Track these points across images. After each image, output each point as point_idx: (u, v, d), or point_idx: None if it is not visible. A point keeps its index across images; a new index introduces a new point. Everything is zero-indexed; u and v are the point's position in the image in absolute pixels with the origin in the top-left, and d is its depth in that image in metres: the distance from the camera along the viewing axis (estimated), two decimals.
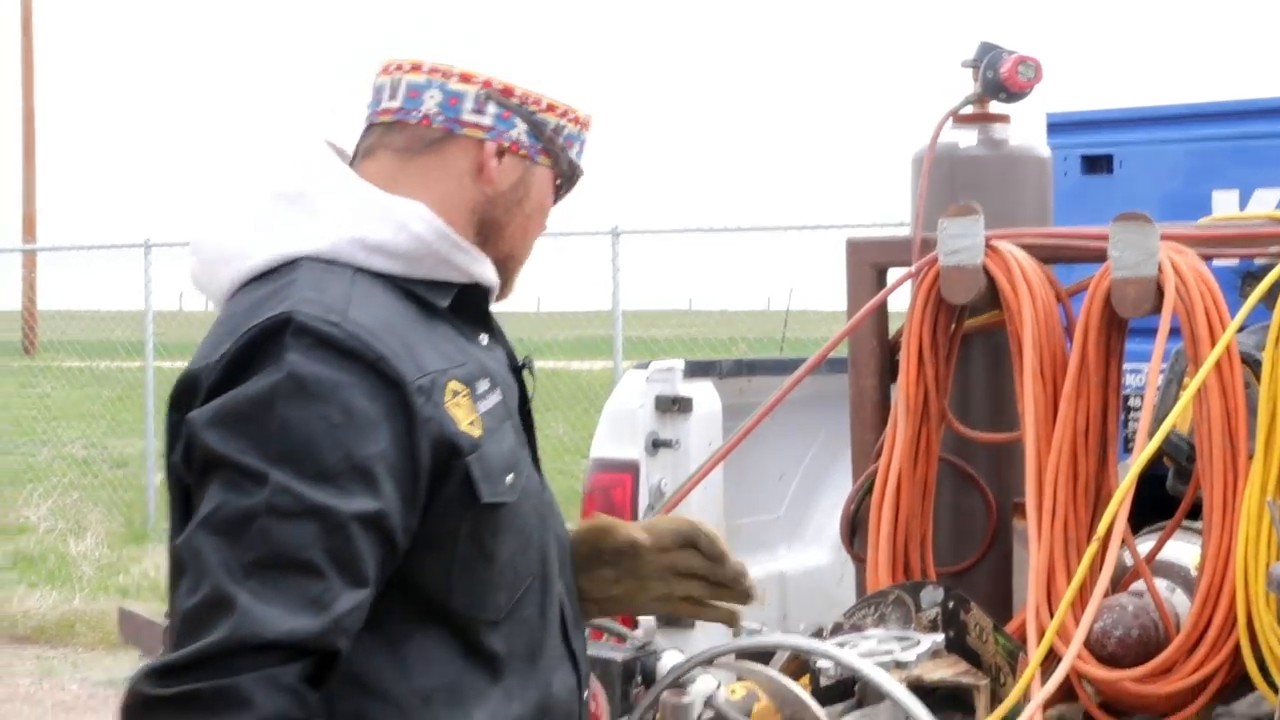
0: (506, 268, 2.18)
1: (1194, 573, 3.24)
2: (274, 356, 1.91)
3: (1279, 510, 2.92)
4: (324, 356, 1.91)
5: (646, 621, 3.10)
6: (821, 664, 2.23)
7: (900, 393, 3.37)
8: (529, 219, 2.18)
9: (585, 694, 2.20)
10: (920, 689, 3.20)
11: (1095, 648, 3.12)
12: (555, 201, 2.22)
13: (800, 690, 1.85)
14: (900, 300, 3.54)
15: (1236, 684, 3.11)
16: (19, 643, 10.23)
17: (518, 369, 2.21)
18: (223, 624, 1.80)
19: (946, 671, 3.17)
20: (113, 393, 21.93)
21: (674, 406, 3.71)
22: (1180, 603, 3.27)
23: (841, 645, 2.07)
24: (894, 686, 1.80)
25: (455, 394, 1.99)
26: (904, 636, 2.09)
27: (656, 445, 3.72)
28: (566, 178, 2.20)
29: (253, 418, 1.88)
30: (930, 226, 3.41)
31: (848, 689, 2.81)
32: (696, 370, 3.87)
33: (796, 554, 4.29)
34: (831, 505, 3.85)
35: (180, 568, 1.87)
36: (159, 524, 14.09)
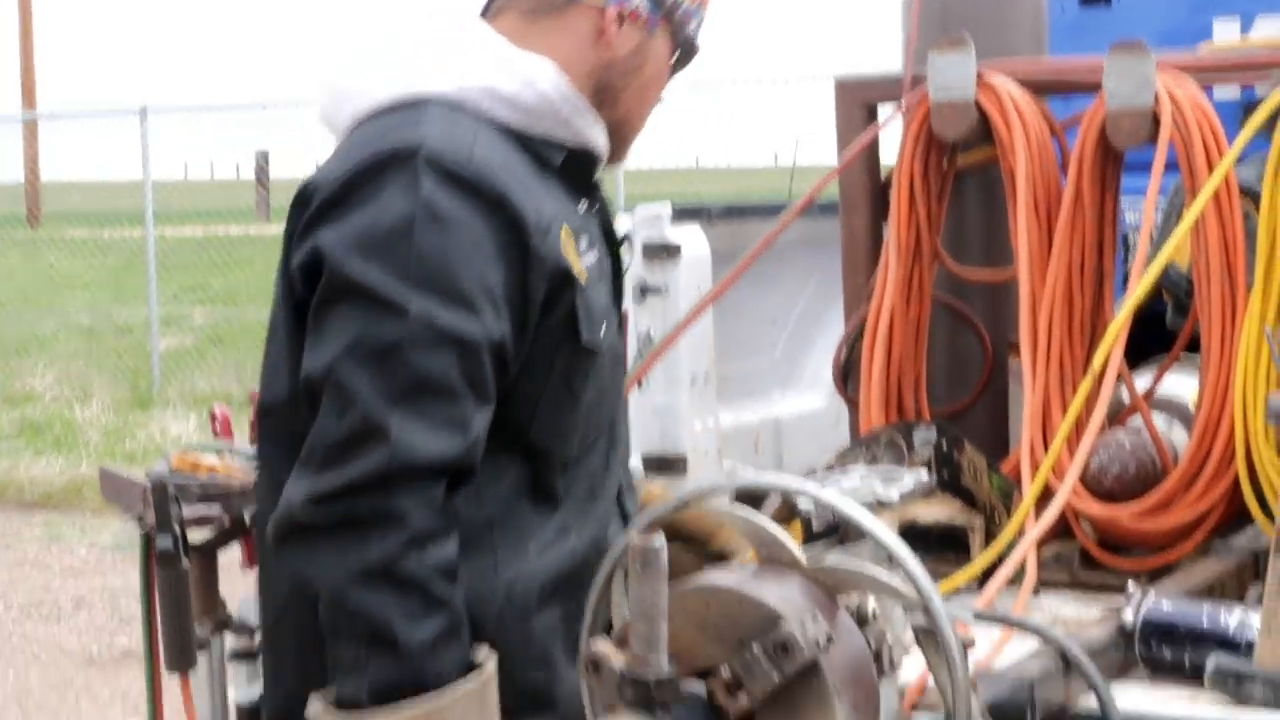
0: (620, 134, 2.26)
1: (1192, 407, 3.18)
2: (407, 184, 2.01)
3: (1278, 341, 2.86)
4: (454, 189, 2.01)
5: (634, 465, 3.06)
6: (803, 504, 2.20)
7: (891, 231, 3.30)
8: (644, 87, 2.26)
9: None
10: (914, 530, 3.16)
11: (1091, 484, 3.08)
12: (672, 75, 2.30)
13: (775, 527, 1.80)
14: (894, 148, 3.45)
15: (1235, 518, 3.06)
16: (27, 509, 10.28)
17: (613, 242, 2.29)
18: (377, 451, 1.92)
19: (940, 512, 3.13)
20: (117, 261, 21.89)
21: (662, 252, 3.65)
22: (1179, 437, 3.22)
23: (823, 484, 2.02)
24: (871, 522, 1.75)
25: (567, 239, 2.10)
26: (887, 473, 2.03)
27: (644, 292, 3.66)
28: (684, 50, 2.28)
29: (391, 246, 1.98)
30: (922, 63, 3.32)
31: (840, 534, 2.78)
32: (684, 215, 3.80)
33: (791, 399, 4.24)
34: (826, 350, 3.79)
35: (319, 393, 1.97)
36: (164, 389, 14.10)
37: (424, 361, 1.95)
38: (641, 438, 3.56)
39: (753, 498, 2.50)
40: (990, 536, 3.06)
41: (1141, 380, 3.29)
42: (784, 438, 4.15)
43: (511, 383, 2.06)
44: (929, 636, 2.00)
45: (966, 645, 2.21)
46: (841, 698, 1.72)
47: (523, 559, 2.09)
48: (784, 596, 1.76)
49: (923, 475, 2.05)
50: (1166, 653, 2.57)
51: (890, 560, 1.91)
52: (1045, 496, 2.98)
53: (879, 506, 1.98)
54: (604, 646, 1.77)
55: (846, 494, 2.00)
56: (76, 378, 14.73)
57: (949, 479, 3.10)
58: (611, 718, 1.69)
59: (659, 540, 1.66)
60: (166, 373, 14.69)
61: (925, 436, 3.10)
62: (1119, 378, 3.07)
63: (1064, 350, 3.12)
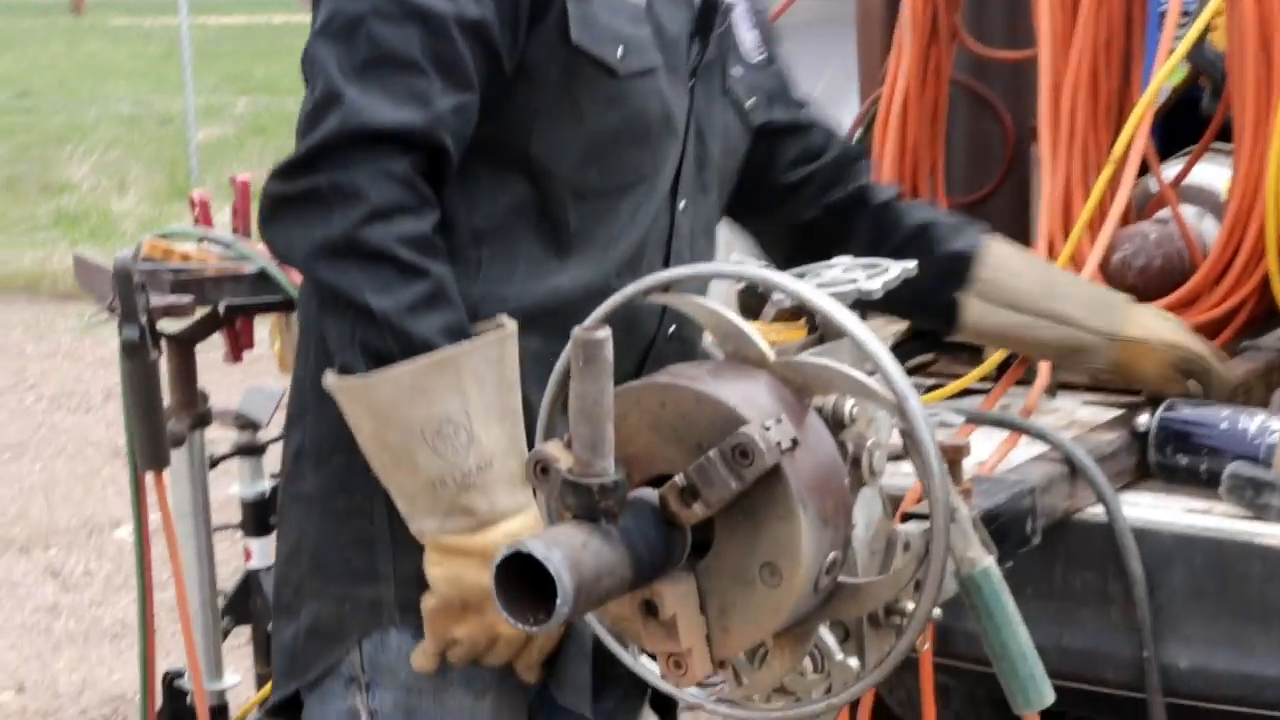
0: None
1: (1225, 198, 2.99)
2: None
3: None
4: None
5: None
6: (775, 298, 2.04)
7: (906, 7, 3.09)
8: None
9: (671, 328, 2.17)
10: (918, 333, 3.01)
11: (1114, 279, 2.90)
12: None
13: (739, 319, 1.64)
14: None
15: (1265, 316, 2.89)
16: (61, 300, 10.23)
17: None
18: (332, 117, 1.91)
19: None
20: (159, 50, 21.66)
21: None
22: (1209, 230, 3.02)
23: (801, 275, 1.86)
24: (841, 313, 1.59)
25: None
26: (871, 264, 1.87)
27: None
28: None
29: None
30: None
31: None
32: None
33: None
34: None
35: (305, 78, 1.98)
36: (201, 180, 13.97)
37: (386, 34, 1.93)
38: None
39: (761, 297, 2.36)
40: None
41: (1172, 170, 3.10)
42: None
43: (508, 85, 2.01)
44: (912, 441, 1.86)
45: (961, 450, 2.09)
46: (806, 507, 1.57)
47: (505, 280, 2.03)
48: (747, 396, 1.61)
49: (909, 264, 1.88)
50: (1182, 459, 2.42)
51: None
52: None
53: (860, 299, 1.81)
54: (552, 448, 1.63)
55: (825, 286, 1.83)
56: (114, 168, 14.62)
57: None
58: (551, 528, 1.56)
59: (603, 332, 1.51)
60: (205, 163, 14.56)
61: None
62: (1145, 165, 2.88)
63: (1088, 136, 2.92)
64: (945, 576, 1.76)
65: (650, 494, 1.59)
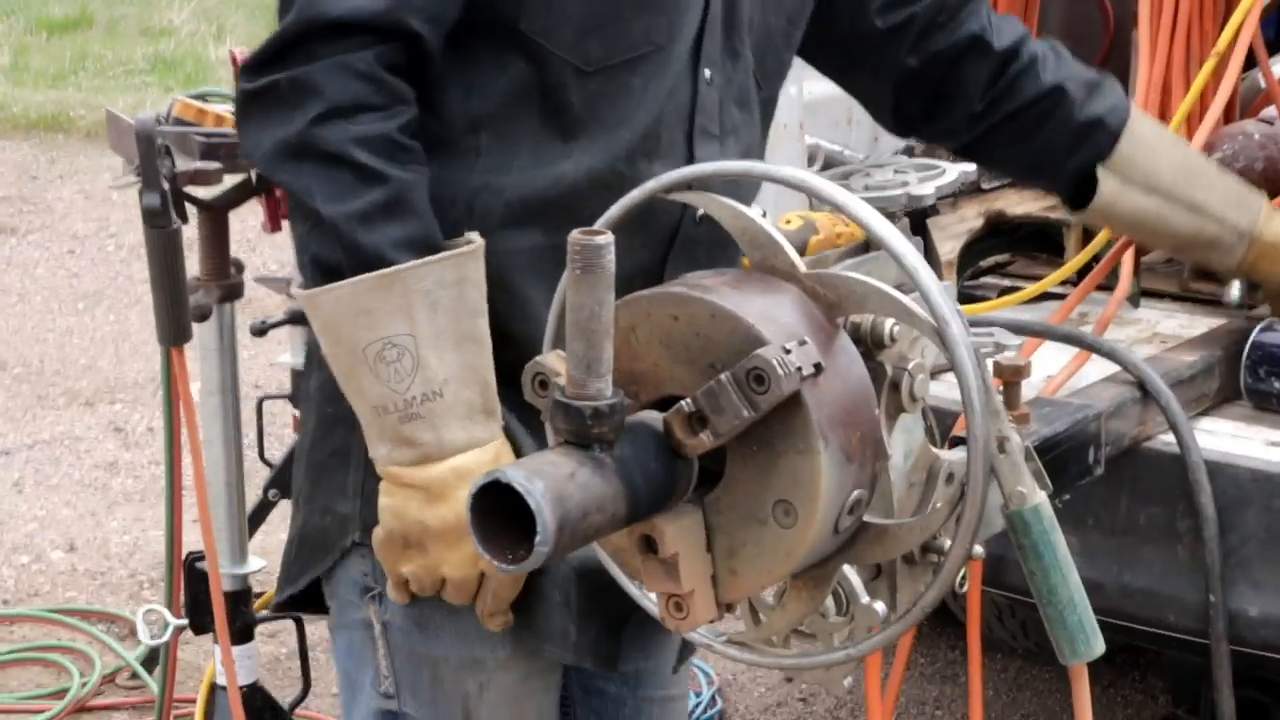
0: None
1: None
2: None
3: None
4: None
5: None
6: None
7: None
8: None
9: (700, 212, 1.92)
10: (1001, 224, 2.81)
11: None
12: None
13: (768, 224, 1.47)
14: None
15: None
16: None
17: None
18: (294, 7, 1.78)
19: (1033, 205, 2.78)
20: None
21: None
22: None
23: (849, 175, 1.68)
24: (872, 216, 1.41)
25: None
26: (926, 165, 1.68)
27: None
28: None
29: None
30: None
31: None
32: None
33: None
34: None
35: None
36: None
37: None
38: None
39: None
40: (1089, 236, 2.70)
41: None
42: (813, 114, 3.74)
43: None
44: (954, 371, 1.68)
45: (1020, 371, 1.90)
46: (828, 441, 1.40)
47: (504, 169, 1.87)
48: (768, 313, 1.43)
49: (968, 167, 1.68)
50: (1276, 384, 2.22)
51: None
52: None
53: (905, 204, 1.63)
54: (552, 360, 1.46)
55: (872, 189, 1.65)
56: (214, 12, 14.47)
57: None
58: (536, 455, 1.40)
59: (604, 237, 1.34)
60: None
61: None
62: (1253, 58, 2.65)
63: (1192, 23, 2.70)
64: (983, 520, 1.60)
65: (654, 418, 1.43)
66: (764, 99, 2.06)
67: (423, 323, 1.75)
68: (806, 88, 3.38)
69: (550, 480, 1.33)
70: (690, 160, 1.92)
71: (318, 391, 1.95)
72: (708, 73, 1.94)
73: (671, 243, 1.93)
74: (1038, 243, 2.78)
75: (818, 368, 1.40)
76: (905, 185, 1.64)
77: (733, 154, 1.97)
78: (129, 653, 4.02)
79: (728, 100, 1.97)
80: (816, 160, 3.32)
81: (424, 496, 1.76)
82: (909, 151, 2.82)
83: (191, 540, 2.82)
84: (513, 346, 1.80)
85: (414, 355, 1.75)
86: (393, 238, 1.75)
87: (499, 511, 1.33)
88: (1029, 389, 2.12)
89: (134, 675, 3.97)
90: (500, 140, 1.87)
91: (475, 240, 1.79)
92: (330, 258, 1.75)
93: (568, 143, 1.87)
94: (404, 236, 1.75)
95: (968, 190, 2.74)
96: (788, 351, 1.39)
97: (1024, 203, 2.76)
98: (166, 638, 2.84)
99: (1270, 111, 2.79)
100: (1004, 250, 2.82)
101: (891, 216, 1.63)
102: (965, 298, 2.76)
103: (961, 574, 1.78)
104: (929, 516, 1.52)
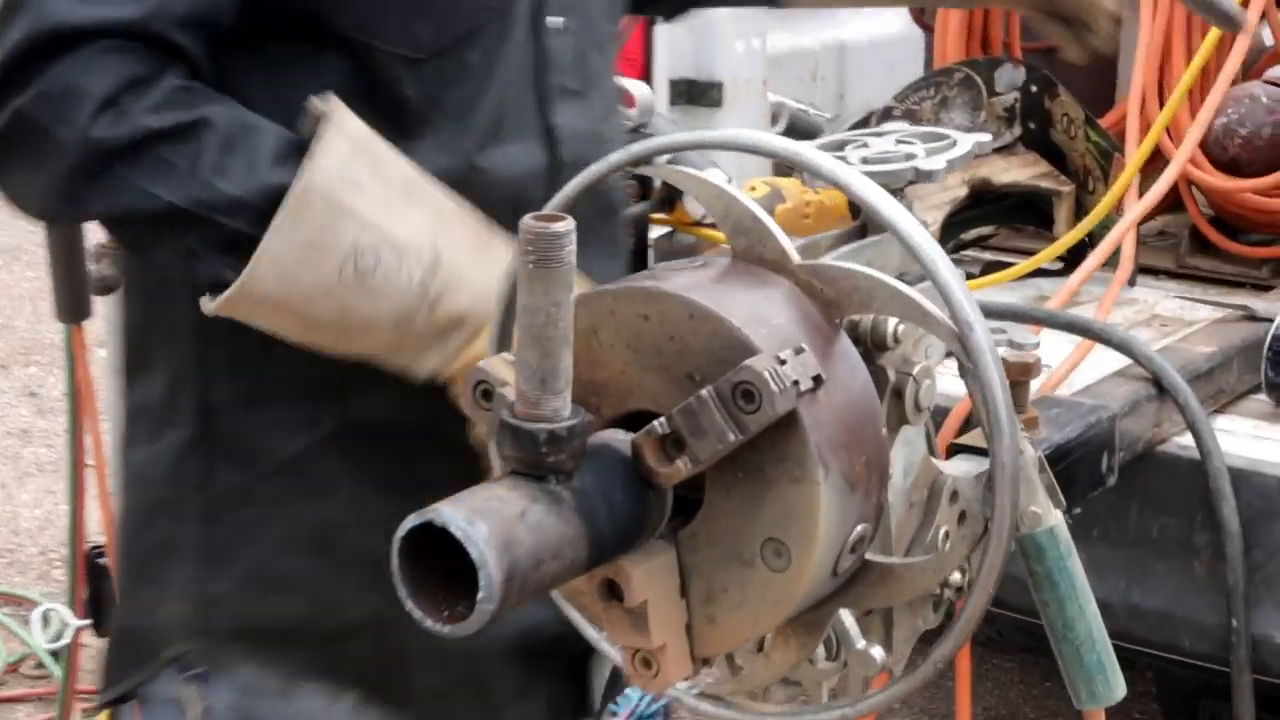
0: None
1: None
2: None
3: None
4: None
5: (644, 95, 2.50)
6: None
7: None
8: None
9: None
10: (986, 193, 2.59)
11: (1213, 149, 2.50)
12: None
13: (755, 207, 1.23)
14: None
15: None
16: None
17: None
18: (20, 22, 1.49)
19: (1021, 172, 2.56)
20: None
21: None
22: None
23: (842, 145, 1.44)
24: (890, 209, 1.18)
25: None
26: (934, 134, 1.44)
27: None
28: None
29: None
30: None
31: None
32: None
33: (861, 21, 3.59)
34: None
35: None
36: None
37: None
38: (671, 60, 2.97)
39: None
40: (1081, 207, 2.49)
41: None
42: (849, 67, 3.53)
43: None
44: (977, 385, 1.45)
45: (1030, 369, 1.68)
46: (829, 469, 1.17)
47: None
48: (758, 314, 1.20)
49: (981, 138, 1.45)
50: None
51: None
52: (1154, 162, 2.40)
53: (912, 178, 1.40)
54: (497, 366, 1.22)
55: (873, 163, 1.42)
56: None
57: (1036, 132, 2.52)
58: (480, 488, 1.15)
59: (563, 224, 1.10)
60: None
61: (1010, 77, 2.52)
62: (1264, 15, 2.44)
63: None
64: (1005, 562, 1.38)
65: (620, 441, 1.19)
66: (616, 35, 1.85)
67: (366, 207, 1.50)
68: (771, 41, 3.17)
69: (496, 522, 1.09)
70: (548, 129, 1.70)
71: (136, 473, 1.70)
72: (559, 21, 1.70)
73: (501, 148, 1.69)
74: (1025, 213, 2.57)
75: (817, 380, 1.17)
76: (912, 159, 1.40)
77: (598, 110, 1.75)
78: (36, 639, 3.77)
79: (587, 46, 1.74)
80: (780, 119, 3.11)
81: None
82: (886, 116, 2.59)
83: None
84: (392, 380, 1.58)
85: (389, 242, 1.50)
86: (262, 166, 1.48)
87: (437, 554, 1.09)
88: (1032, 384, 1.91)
89: (40, 664, 3.72)
90: None
91: (327, 99, 1.53)
92: (222, 235, 1.48)
93: (411, 141, 1.60)
94: (273, 154, 1.49)
95: (926, 176, 2.52)
96: (782, 362, 1.15)
97: (1011, 170, 2.54)
98: (66, 640, 2.61)
99: (1276, 72, 2.58)
100: (989, 221, 2.61)
101: (897, 194, 1.38)
102: None
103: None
104: (945, 555, 1.29)
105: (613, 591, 1.20)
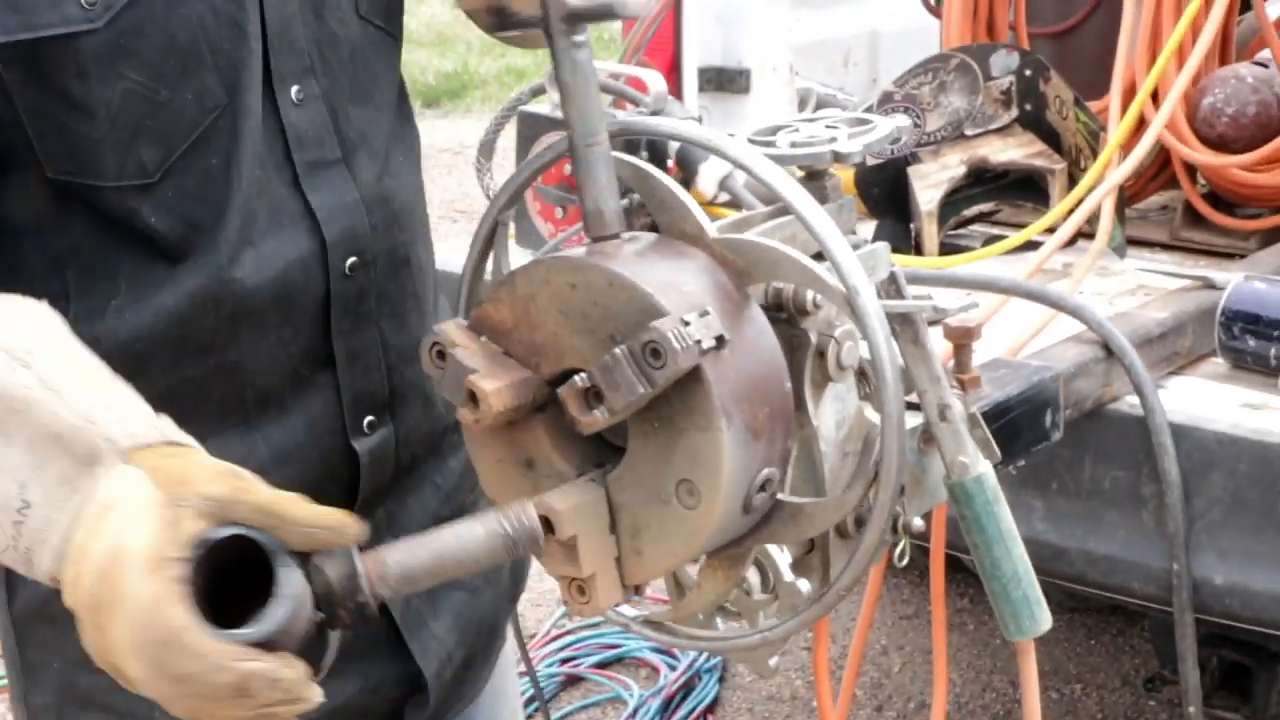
0: None
1: None
2: None
3: None
4: None
5: (657, 83, 2.65)
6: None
7: None
8: None
9: (349, 261, 1.61)
10: (984, 172, 2.73)
11: (1202, 127, 2.60)
12: None
13: (675, 186, 1.40)
14: None
15: None
16: None
17: None
18: None
19: (1017, 152, 2.68)
20: None
21: None
22: None
23: (775, 131, 1.59)
24: (782, 183, 1.35)
25: None
26: (860, 120, 1.59)
27: None
28: None
29: None
30: None
31: None
32: None
33: (893, 8, 3.70)
34: None
35: None
36: None
37: None
38: (699, 48, 3.11)
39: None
40: (1075, 184, 2.61)
41: (1277, 7, 2.76)
42: (880, 54, 3.65)
43: None
44: (904, 325, 1.62)
45: (969, 334, 1.83)
46: (731, 418, 1.33)
47: (99, 313, 1.49)
48: (670, 281, 1.36)
49: (901, 121, 1.60)
50: (1250, 342, 2.13)
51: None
52: (1139, 137, 2.52)
53: (832, 160, 1.54)
54: (451, 329, 1.40)
55: (800, 146, 1.56)
56: None
57: (1031, 113, 2.65)
58: None
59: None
60: None
61: (1005, 62, 2.64)
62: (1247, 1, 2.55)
63: None
64: (925, 491, 1.54)
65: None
66: (385, 73, 1.68)
67: None
68: (799, 30, 3.31)
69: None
70: (309, 212, 1.58)
71: None
72: (294, 90, 1.55)
73: (327, 310, 1.61)
74: (1023, 190, 2.69)
75: (720, 340, 1.33)
76: (832, 141, 1.55)
77: (369, 170, 1.63)
78: None
79: (341, 106, 1.60)
80: (808, 104, 3.24)
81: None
82: (886, 100, 2.73)
83: None
84: None
85: None
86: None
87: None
88: (998, 349, 2.05)
89: None
90: (90, 278, 1.49)
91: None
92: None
93: (174, 264, 1.50)
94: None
95: (950, 137, 2.65)
96: (686, 324, 1.31)
97: (1008, 149, 2.67)
98: None
99: (1265, 54, 2.68)
100: (988, 199, 2.73)
101: (820, 174, 1.54)
102: (949, 248, 2.68)
103: (902, 547, 1.72)
104: (844, 495, 1.44)
105: (547, 527, 1.37)
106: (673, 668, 4.05)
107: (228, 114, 1.50)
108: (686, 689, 3.96)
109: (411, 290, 1.69)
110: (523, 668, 2.96)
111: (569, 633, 4.28)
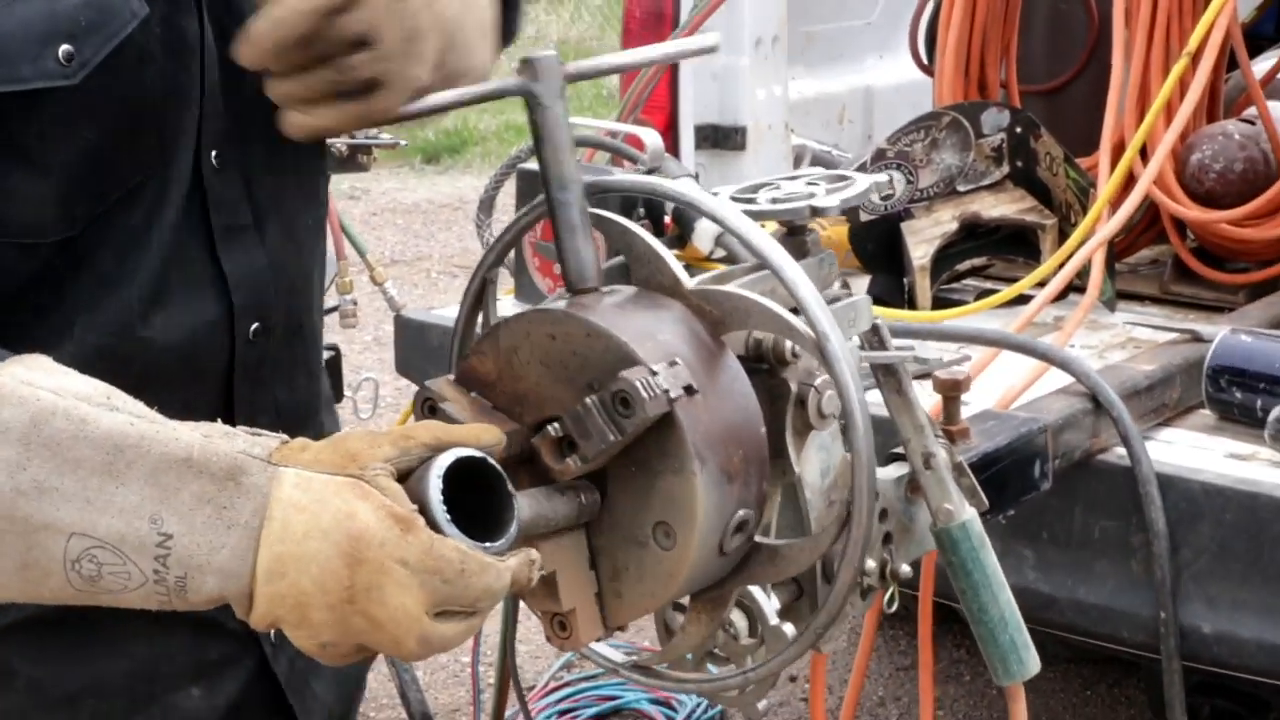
0: None
1: None
2: None
3: None
4: None
5: (654, 141, 2.68)
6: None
7: None
8: None
9: (253, 327, 1.60)
10: (977, 227, 2.75)
11: (1190, 183, 2.63)
12: None
13: (650, 238, 1.43)
14: None
15: None
16: None
17: None
18: None
19: (1008, 207, 2.72)
20: None
21: None
22: None
23: (758, 188, 1.62)
24: (753, 233, 1.38)
25: None
26: (840, 177, 1.62)
27: None
28: None
29: None
30: None
31: None
32: None
33: (888, 66, 3.75)
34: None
35: None
36: None
37: None
38: (696, 106, 3.16)
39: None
40: (1065, 239, 2.64)
41: (1265, 65, 2.79)
42: (876, 110, 3.69)
43: None
44: (888, 375, 1.64)
45: (959, 385, 1.85)
46: (704, 461, 1.35)
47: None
48: (646, 331, 1.39)
49: (879, 179, 1.63)
50: (1237, 394, 2.15)
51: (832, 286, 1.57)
52: (1129, 190, 2.55)
53: (810, 215, 1.57)
54: (442, 385, 1.43)
55: (779, 202, 1.59)
56: None
57: (1022, 169, 2.68)
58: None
59: None
60: None
61: (996, 120, 2.67)
62: (1231, 57, 2.58)
63: (1171, 20, 2.63)
64: (912, 539, 1.56)
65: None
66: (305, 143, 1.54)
67: (58, 515, 1.22)
68: (795, 88, 3.35)
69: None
70: (221, 276, 1.56)
71: None
72: (214, 154, 1.53)
73: (230, 374, 1.59)
74: (1014, 245, 2.72)
75: (689, 390, 1.35)
76: (811, 196, 1.58)
77: (277, 237, 1.61)
78: None
79: (255, 173, 1.58)
80: (804, 160, 3.28)
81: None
82: (879, 157, 2.76)
83: None
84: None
85: (98, 545, 1.23)
86: None
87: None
88: (989, 401, 2.07)
89: None
90: (10, 341, 1.36)
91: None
92: None
93: (84, 319, 1.46)
94: None
95: (942, 193, 2.68)
96: (654, 373, 1.34)
97: (999, 205, 2.70)
98: None
99: (1252, 111, 2.71)
100: (980, 254, 2.76)
101: (800, 229, 1.57)
102: (942, 302, 2.70)
103: (891, 593, 1.74)
104: (818, 536, 1.47)
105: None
106: (670, 719, 4.05)
107: (159, 176, 1.49)
108: None
109: (303, 357, 1.69)
110: None
111: (567, 684, 4.28)
